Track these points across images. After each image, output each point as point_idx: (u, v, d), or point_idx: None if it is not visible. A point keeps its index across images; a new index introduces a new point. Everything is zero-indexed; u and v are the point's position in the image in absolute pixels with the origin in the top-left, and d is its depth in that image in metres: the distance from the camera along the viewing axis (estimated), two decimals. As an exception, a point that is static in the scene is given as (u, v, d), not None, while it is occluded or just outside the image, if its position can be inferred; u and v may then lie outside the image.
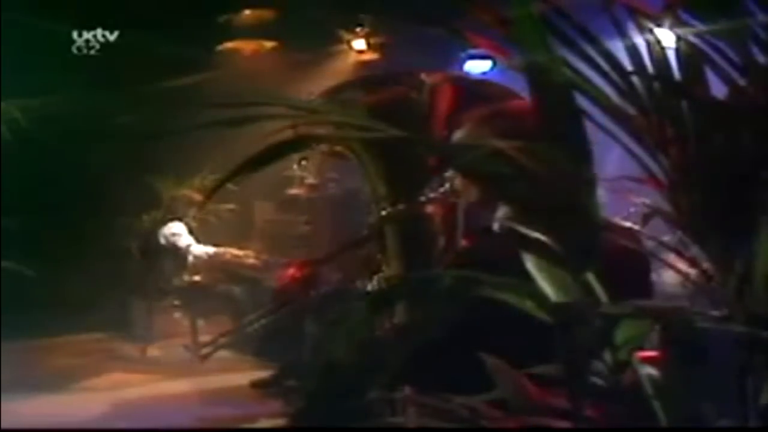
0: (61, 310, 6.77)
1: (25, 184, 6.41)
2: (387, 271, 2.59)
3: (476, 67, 7.30)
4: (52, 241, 6.82)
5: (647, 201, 1.32)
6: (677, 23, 1.17)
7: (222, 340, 6.37)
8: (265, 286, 6.65)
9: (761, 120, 1.10)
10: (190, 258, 7.03)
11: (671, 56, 1.17)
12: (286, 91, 6.25)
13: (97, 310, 7.10)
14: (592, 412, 1.07)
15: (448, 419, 1.22)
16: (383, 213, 2.44)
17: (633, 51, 1.16)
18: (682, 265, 1.19)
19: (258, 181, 6.08)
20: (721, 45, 1.12)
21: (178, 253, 7.03)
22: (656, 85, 1.14)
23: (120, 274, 7.25)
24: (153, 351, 6.88)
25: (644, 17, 1.19)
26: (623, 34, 1.18)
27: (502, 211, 1.79)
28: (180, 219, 7.15)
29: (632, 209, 2.08)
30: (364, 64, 7.92)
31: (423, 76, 2.52)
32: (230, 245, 7.18)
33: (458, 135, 1.95)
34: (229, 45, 7.89)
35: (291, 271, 5.49)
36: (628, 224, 1.75)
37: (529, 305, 1.03)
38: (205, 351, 6.41)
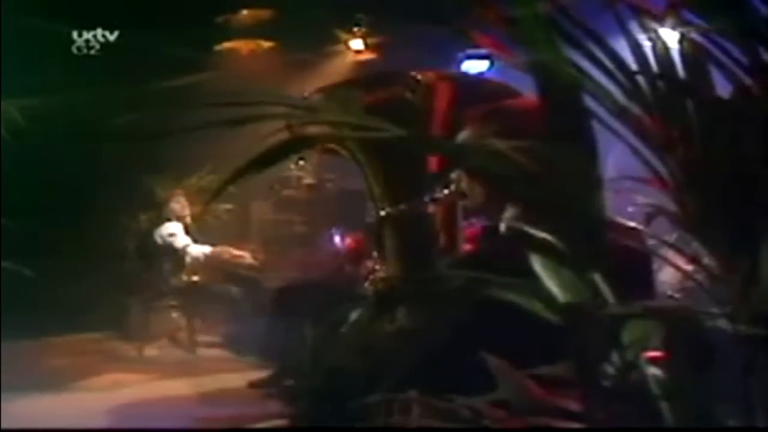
0: (60, 311, 6.75)
1: (24, 184, 6.38)
2: (384, 272, 2.59)
3: (474, 66, 7.29)
4: (50, 241, 6.80)
5: (649, 200, 1.32)
6: (681, 22, 1.17)
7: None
8: (263, 286, 6.64)
9: (766, 119, 1.09)
10: (188, 258, 7.03)
11: (676, 55, 1.16)
12: (283, 91, 6.24)
13: (95, 311, 7.08)
14: (599, 412, 1.06)
15: (451, 419, 1.21)
16: (383, 213, 2.43)
17: (637, 50, 1.16)
18: (684, 264, 1.18)
19: (255, 181, 6.07)
20: (726, 44, 1.12)
21: (175, 254, 7.02)
22: (661, 84, 1.13)
23: (118, 275, 7.24)
24: (151, 351, 6.87)
25: (648, 16, 1.18)
26: (627, 33, 1.18)
27: (509, 212, 1.78)
28: (177, 219, 7.14)
29: (630, 209, 2.07)
30: (362, 64, 7.92)
31: (420, 75, 2.52)
32: (228, 245, 7.17)
33: (462, 135, 1.94)
34: (227, 45, 7.89)
35: (348, 241, 6.14)
36: (631, 224, 1.75)
37: (537, 306, 1.03)
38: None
